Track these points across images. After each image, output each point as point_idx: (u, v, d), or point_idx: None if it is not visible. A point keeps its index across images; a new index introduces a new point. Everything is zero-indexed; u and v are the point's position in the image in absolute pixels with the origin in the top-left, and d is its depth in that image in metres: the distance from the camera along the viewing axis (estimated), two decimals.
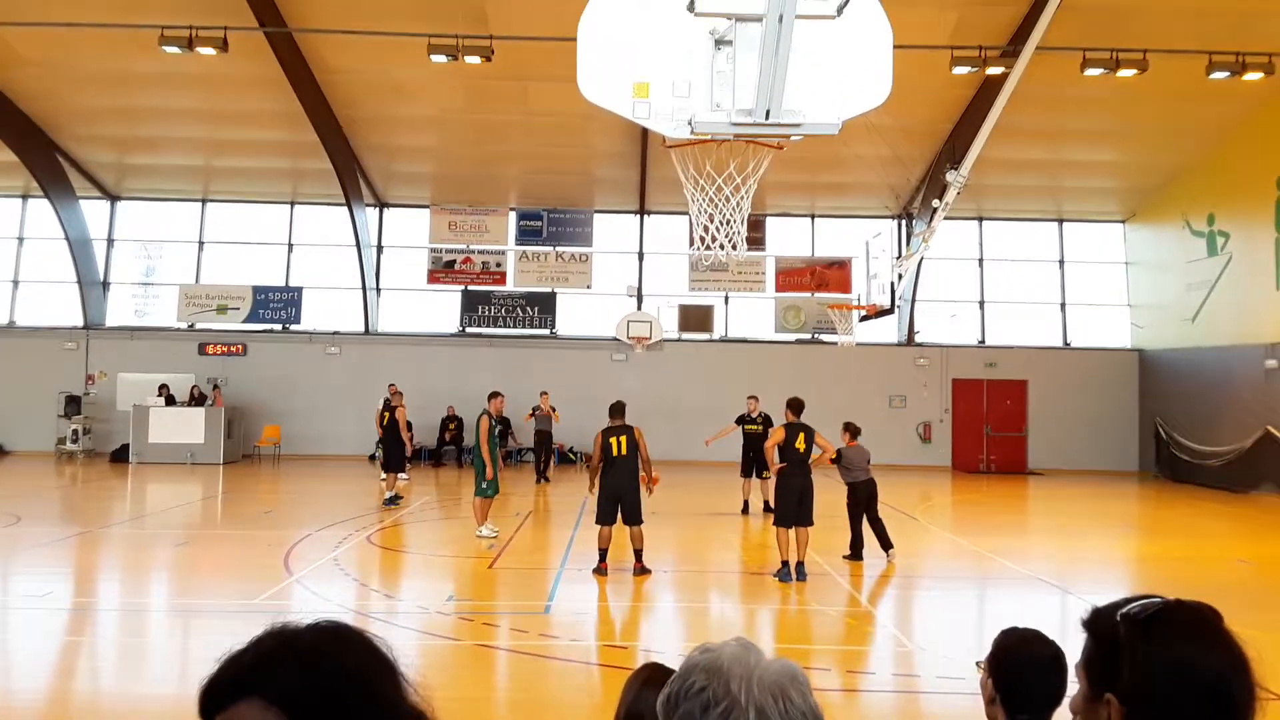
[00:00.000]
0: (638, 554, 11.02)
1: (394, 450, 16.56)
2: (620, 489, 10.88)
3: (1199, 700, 1.34)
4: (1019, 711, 2.65)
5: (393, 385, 18.37)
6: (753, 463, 15.74)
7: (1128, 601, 1.46)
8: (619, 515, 10.89)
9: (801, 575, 10.75)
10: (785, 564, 10.79)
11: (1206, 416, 21.80)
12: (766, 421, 15.64)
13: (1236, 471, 20.46)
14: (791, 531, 10.88)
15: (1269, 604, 10.24)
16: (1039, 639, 2.76)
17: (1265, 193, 19.72)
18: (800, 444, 10.97)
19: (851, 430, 12.33)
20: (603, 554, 10.93)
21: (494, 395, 13.69)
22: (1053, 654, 2.71)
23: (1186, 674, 1.35)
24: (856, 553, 12.00)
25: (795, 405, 11.29)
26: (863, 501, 12.03)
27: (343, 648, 1.23)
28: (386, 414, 16.83)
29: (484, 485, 13.12)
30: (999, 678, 2.70)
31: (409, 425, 16.95)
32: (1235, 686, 1.36)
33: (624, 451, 10.89)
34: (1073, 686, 1.61)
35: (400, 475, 16.99)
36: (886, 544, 11.94)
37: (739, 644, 1.26)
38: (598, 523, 10.96)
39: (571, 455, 23.83)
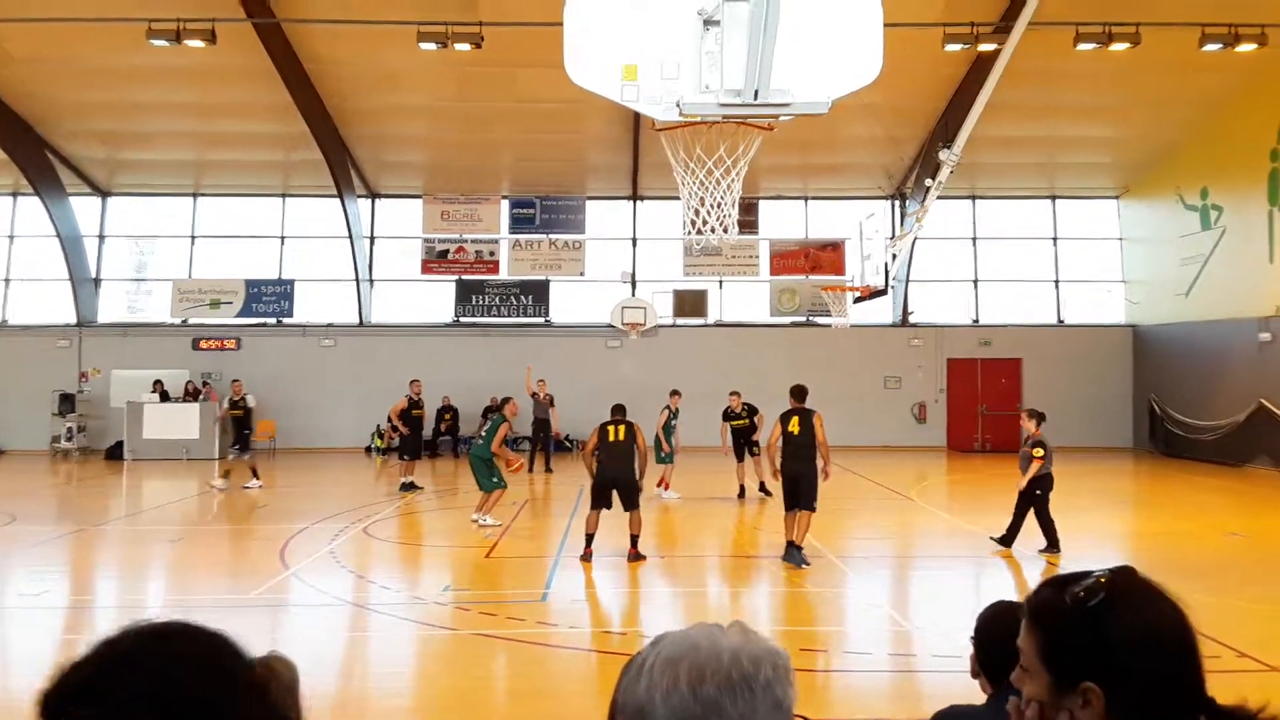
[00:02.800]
0: (633, 540, 11.00)
1: (409, 439, 17.29)
2: (614, 474, 10.93)
3: (1172, 658, 1.39)
4: (1002, 681, 2.67)
5: (237, 382, 18.65)
6: (743, 447, 16.23)
7: (1060, 585, 1.46)
8: (612, 501, 10.92)
9: (799, 559, 10.51)
10: (789, 544, 10.73)
11: (1200, 391, 21.83)
12: (751, 412, 16.27)
13: (1231, 445, 20.50)
14: (795, 515, 10.73)
15: (1261, 578, 10.28)
16: (1018, 611, 2.76)
17: (1258, 165, 19.70)
18: (793, 427, 10.86)
19: (1039, 417, 11.56)
20: (589, 539, 10.90)
21: (508, 400, 13.85)
22: None
23: (1156, 638, 1.38)
24: (1010, 539, 11.36)
25: (794, 392, 11.31)
26: (1047, 495, 11.18)
27: (185, 674, 1.12)
28: (234, 411, 17.92)
29: (494, 480, 13.15)
30: (981, 650, 2.73)
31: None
32: (1188, 630, 1.41)
33: (620, 437, 10.99)
34: None
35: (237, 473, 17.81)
36: (1055, 544, 11.13)
37: (714, 625, 1.22)
38: (591, 507, 10.99)
39: (568, 444, 23.81)
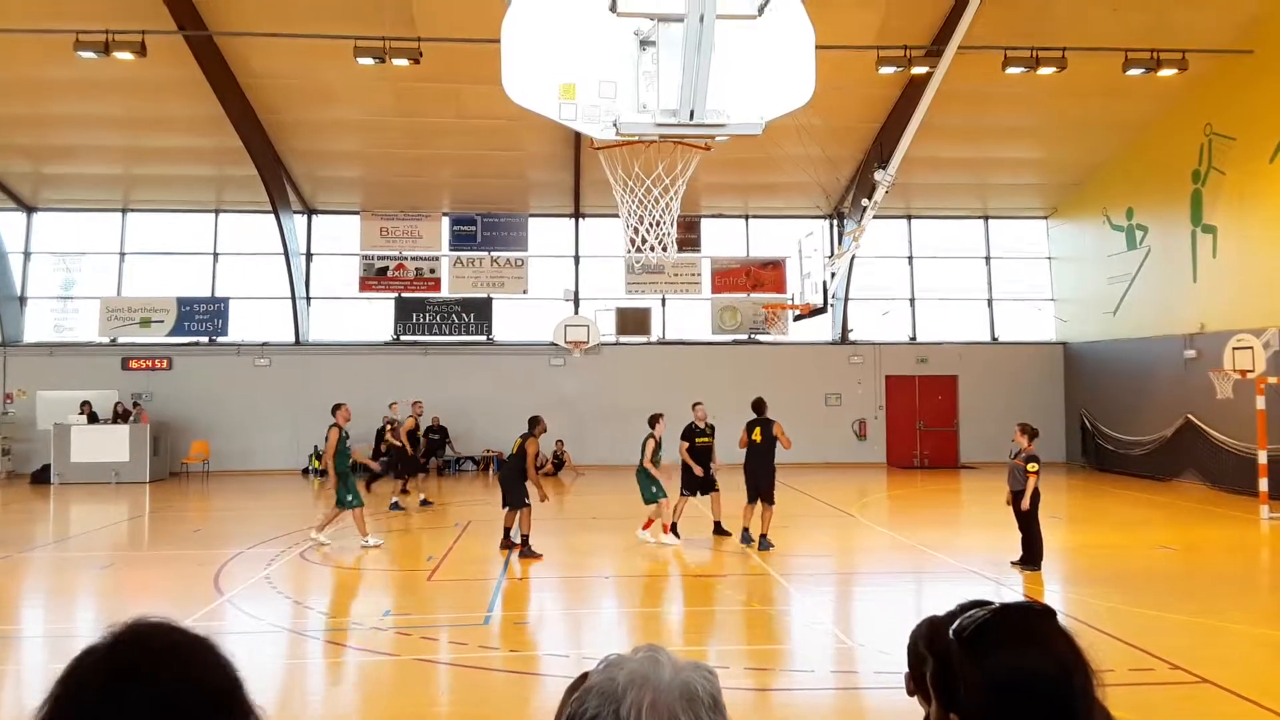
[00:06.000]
0: (522, 539, 12.50)
1: (412, 458, 17.73)
2: (502, 478, 13.31)
3: (1038, 705, 1.33)
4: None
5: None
6: (697, 481, 13.53)
7: (963, 611, 1.43)
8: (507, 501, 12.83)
9: (765, 545, 12.55)
10: (746, 530, 12.86)
11: (1129, 407, 22.41)
12: (714, 431, 13.85)
13: (1159, 460, 21.05)
14: (756, 506, 12.76)
15: (1191, 590, 10.54)
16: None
17: (1181, 186, 20.34)
18: (757, 436, 12.86)
19: (1032, 433, 11.61)
20: (505, 532, 12.92)
21: (338, 407, 13.58)
22: None
23: (1022, 682, 1.33)
24: (1036, 560, 11.31)
25: (754, 405, 13.18)
26: (1035, 508, 11.31)
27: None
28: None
29: (348, 499, 13.14)
30: (915, 669, 2.70)
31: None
32: (1072, 682, 1.35)
33: (512, 451, 13.10)
34: None
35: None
36: (1035, 560, 11.32)
37: (645, 657, 1.20)
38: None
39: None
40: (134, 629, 1.19)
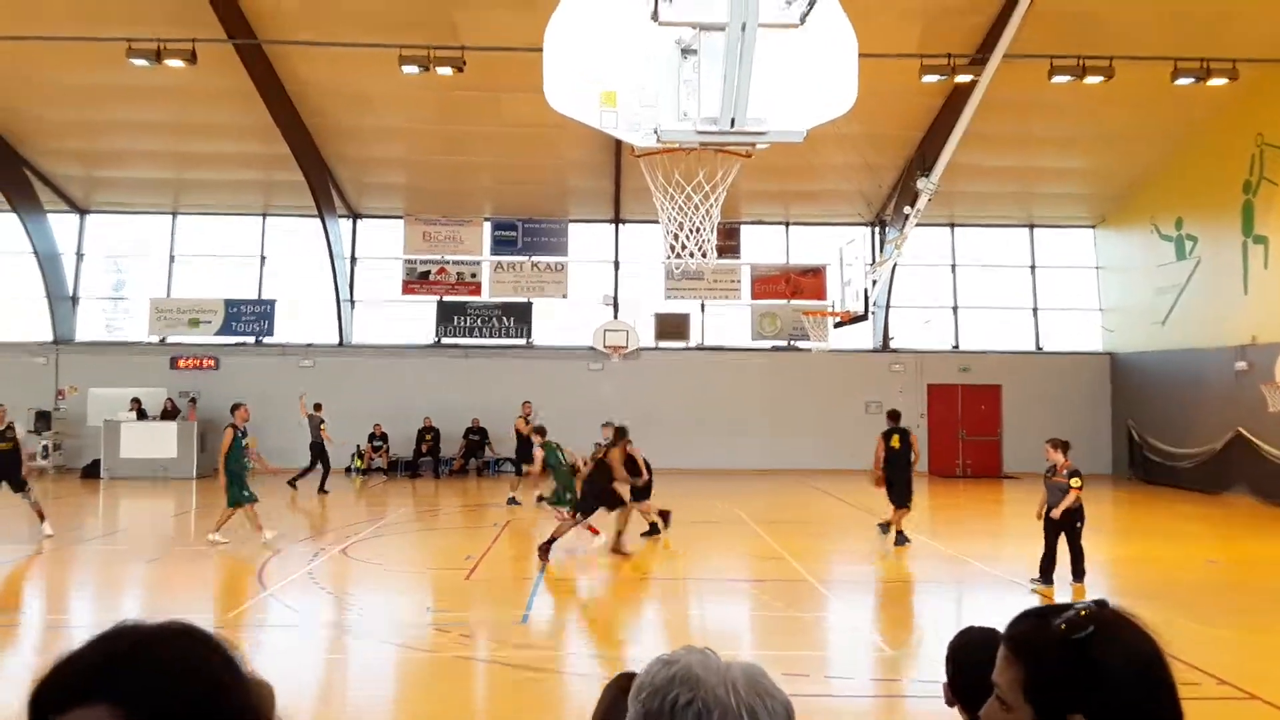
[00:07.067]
0: (552, 537, 12.38)
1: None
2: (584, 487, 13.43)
3: (1155, 688, 1.41)
4: (978, 708, 2.64)
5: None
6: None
7: (1040, 617, 1.48)
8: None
9: (902, 539, 13.52)
10: (900, 532, 13.63)
11: (1178, 419, 22.00)
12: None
13: (1208, 473, 20.65)
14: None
15: (1240, 605, 10.35)
16: (993, 637, 2.75)
17: (1232, 196, 19.97)
18: (895, 443, 13.78)
19: (1064, 446, 11.32)
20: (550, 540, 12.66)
21: (236, 406, 13.86)
22: None
23: (1141, 669, 1.41)
24: (1048, 575, 11.01)
25: (890, 414, 14.35)
26: (1082, 525, 11.01)
27: (201, 654, 1.13)
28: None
29: (244, 494, 13.35)
30: (957, 676, 2.70)
31: None
32: (1166, 660, 1.44)
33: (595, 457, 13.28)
34: None
35: None
36: (1081, 573, 10.98)
37: (697, 652, 1.23)
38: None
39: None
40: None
